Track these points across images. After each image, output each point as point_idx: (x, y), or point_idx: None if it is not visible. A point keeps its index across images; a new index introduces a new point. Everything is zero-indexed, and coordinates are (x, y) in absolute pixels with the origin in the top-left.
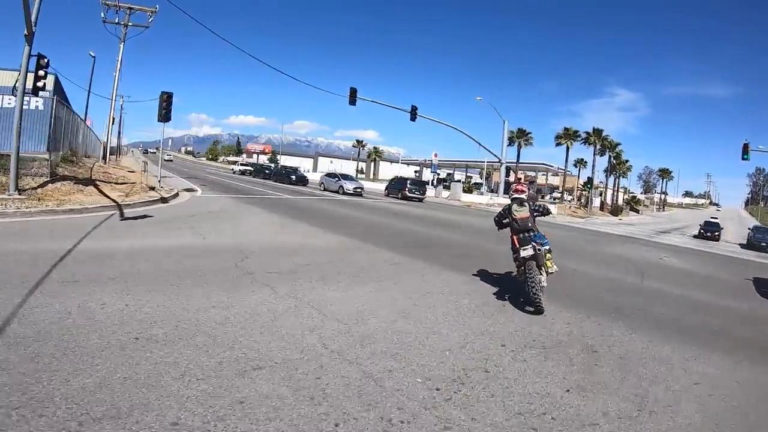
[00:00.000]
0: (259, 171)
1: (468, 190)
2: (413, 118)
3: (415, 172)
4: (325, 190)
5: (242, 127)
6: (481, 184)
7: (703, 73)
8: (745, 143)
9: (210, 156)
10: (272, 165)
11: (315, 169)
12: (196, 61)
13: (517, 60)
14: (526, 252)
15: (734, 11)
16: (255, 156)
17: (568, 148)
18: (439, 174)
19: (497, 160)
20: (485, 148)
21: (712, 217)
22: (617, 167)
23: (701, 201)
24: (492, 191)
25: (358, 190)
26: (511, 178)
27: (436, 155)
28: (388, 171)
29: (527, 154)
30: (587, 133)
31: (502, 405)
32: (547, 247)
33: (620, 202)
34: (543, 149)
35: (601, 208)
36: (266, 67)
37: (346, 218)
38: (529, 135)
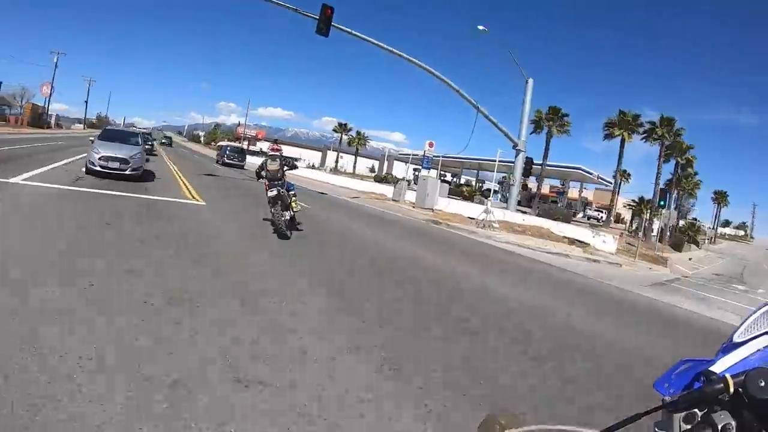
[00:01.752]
0: None
1: (467, 195)
2: (322, 30)
3: (415, 170)
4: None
5: (270, 119)
6: (494, 191)
7: (733, 101)
8: None
9: (208, 140)
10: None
11: (323, 163)
12: (228, 50)
13: (545, 71)
14: (272, 193)
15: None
16: (246, 141)
17: (623, 142)
18: (429, 170)
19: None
20: (488, 117)
21: None
22: (684, 181)
23: (740, 232)
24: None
25: (116, 166)
26: (533, 185)
27: (431, 145)
28: (401, 170)
29: (562, 150)
30: (651, 123)
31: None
32: (293, 192)
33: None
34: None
35: (660, 239)
36: (295, 59)
37: None
38: (565, 118)
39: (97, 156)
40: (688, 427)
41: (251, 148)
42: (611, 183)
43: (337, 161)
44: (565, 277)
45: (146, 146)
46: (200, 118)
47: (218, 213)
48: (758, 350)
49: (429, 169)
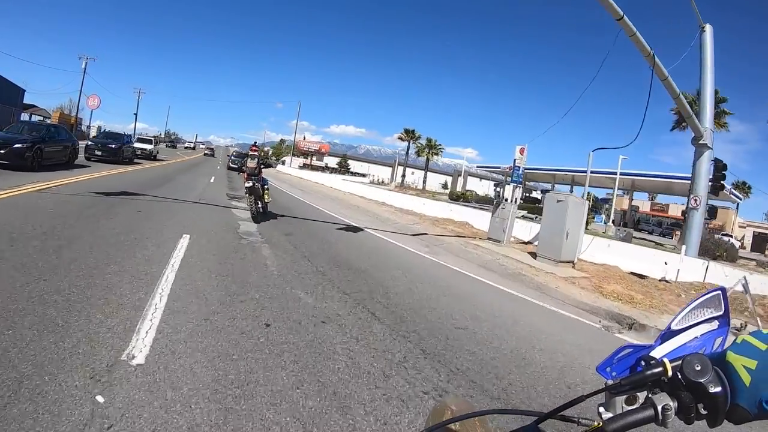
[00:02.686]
0: None
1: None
2: None
3: (496, 185)
4: None
5: (342, 136)
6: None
7: None
8: None
9: (275, 154)
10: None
11: (392, 179)
12: (300, 70)
13: (618, 80)
14: (248, 184)
15: None
16: (310, 156)
17: None
18: (519, 185)
19: None
20: (667, 78)
21: None
22: None
23: None
24: (619, 225)
25: None
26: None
27: (523, 151)
28: (477, 187)
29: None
30: None
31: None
32: (267, 186)
33: None
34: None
35: None
36: (369, 78)
37: None
38: (722, 105)
39: None
40: (630, 408)
41: (316, 162)
42: (740, 199)
43: (404, 175)
44: None
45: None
46: (273, 136)
47: None
48: (695, 338)
49: (519, 184)
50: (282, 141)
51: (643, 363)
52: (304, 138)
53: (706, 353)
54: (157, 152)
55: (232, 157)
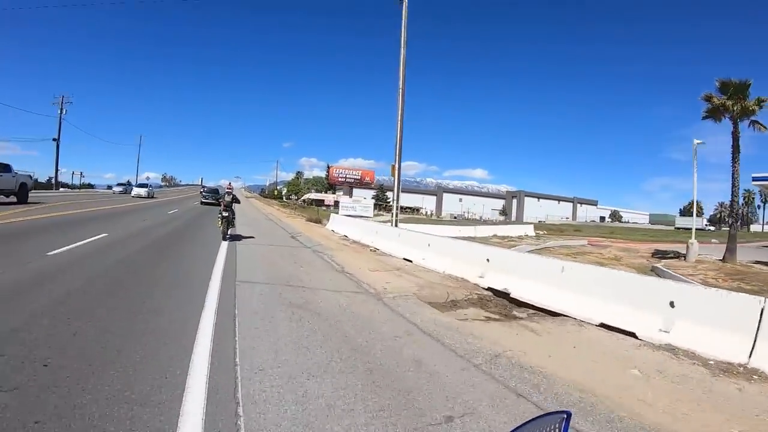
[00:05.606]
0: None
1: None
2: None
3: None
4: None
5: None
6: None
7: None
8: None
9: (291, 191)
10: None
11: (439, 209)
12: (303, 105)
13: (625, 78)
14: (225, 213)
15: None
16: (343, 189)
17: None
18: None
19: None
20: None
21: None
22: None
23: None
24: None
25: None
26: None
27: None
28: (536, 211)
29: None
30: None
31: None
32: (234, 217)
33: None
34: (659, 179)
35: None
36: (374, 109)
37: None
38: None
39: None
40: None
41: (339, 199)
42: None
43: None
44: None
45: None
46: (284, 175)
47: None
48: None
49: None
50: (299, 173)
51: None
52: (329, 167)
53: None
54: None
55: (204, 193)
